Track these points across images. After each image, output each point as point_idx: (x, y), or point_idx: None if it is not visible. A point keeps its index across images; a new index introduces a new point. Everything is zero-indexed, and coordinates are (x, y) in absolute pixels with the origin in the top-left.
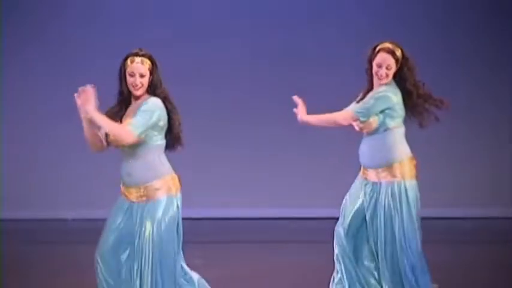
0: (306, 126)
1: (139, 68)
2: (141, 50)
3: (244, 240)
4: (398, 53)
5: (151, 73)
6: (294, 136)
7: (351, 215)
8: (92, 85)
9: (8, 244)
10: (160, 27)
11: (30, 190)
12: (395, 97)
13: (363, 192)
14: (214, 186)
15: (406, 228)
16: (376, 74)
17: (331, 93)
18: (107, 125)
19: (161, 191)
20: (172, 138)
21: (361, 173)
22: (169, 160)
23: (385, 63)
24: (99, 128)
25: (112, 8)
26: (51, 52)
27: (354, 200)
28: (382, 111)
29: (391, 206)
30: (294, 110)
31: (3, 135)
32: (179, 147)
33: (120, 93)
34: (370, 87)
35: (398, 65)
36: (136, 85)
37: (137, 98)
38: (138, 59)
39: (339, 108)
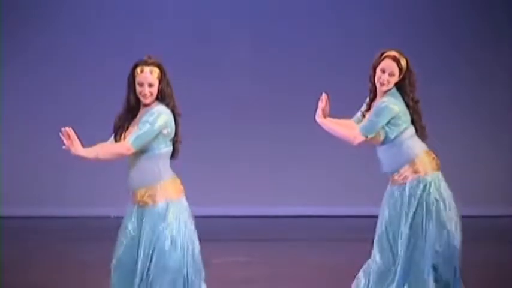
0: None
1: (147, 77)
2: (150, 58)
3: (287, 238)
4: (404, 62)
5: (160, 81)
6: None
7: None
8: (69, 127)
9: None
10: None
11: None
12: (397, 107)
13: (393, 201)
14: (254, 184)
15: (430, 227)
16: (379, 79)
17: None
18: (101, 152)
19: (157, 196)
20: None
21: (389, 182)
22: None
23: (388, 70)
24: (95, 157)
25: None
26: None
27: (381, 216)
28: (387, 123)
29: (417, 203)
30: (318, 103)
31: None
32: (174, 158)
33: (127, 100)
34: (373, 96)
35: (401, 76)
36: (146, 94)
37: (147, 105)
38: (147, 69)
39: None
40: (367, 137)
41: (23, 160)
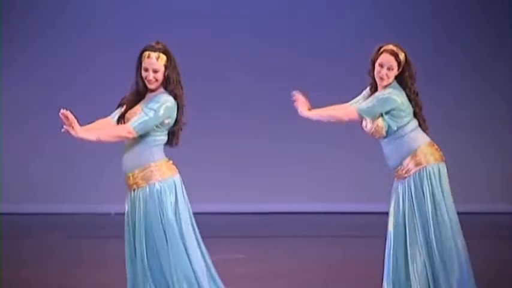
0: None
1: (153, 63)
2: (157, 44)
3: (287, 235)
4: (402, 56)
5: (166, 68)
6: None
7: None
8: (67, 109)
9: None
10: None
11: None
12: (399, 99)
13: (396, 196)
14: (254, 181)
15: (436, 216)
16: (378, 73)
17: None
18: (102, 135)
19: (151, 177)
20: (171, 135)
21: (395, 178)
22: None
23: (387, 64)
24: (97, 139)
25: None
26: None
27: (391, 215)
28: (387, 113)
29: (421, 193)
30: (295, 104)
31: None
32: (174, 145)
33: (136, 83)
34: (375, 90)
35: (400, 69)
36: (150, 80)
37: (152, 90)
38: (153, 55)
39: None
40: (363, 116)
41: (24, 157)
